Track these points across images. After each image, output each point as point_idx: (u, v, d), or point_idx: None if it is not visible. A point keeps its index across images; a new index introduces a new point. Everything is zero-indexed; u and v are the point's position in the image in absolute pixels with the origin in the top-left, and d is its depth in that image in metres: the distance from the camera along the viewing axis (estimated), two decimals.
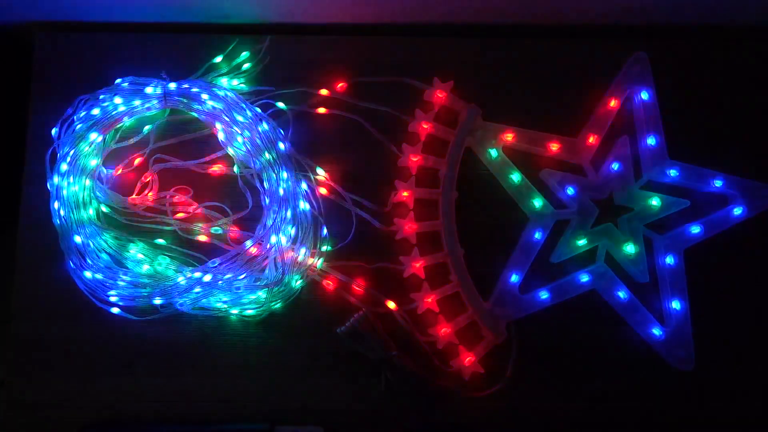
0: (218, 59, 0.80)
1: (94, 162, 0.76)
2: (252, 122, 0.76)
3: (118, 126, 0.78)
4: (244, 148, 0.76)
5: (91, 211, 0.76)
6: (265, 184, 0.76)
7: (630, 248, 0.77)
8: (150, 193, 0.78)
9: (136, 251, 0.76)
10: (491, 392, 0.74)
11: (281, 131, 0.78)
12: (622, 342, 0.76)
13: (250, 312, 0.75)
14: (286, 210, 0.74)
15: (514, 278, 0.76)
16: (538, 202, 0.78)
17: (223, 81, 0.79)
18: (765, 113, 0.81)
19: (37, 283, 0.76)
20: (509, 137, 0.78)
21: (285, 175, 0.75)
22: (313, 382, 0.76)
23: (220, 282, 0.73)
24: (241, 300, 0.74)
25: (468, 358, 0.75)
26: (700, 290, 0.77)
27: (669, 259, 0.77)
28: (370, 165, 0.79)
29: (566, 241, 0.77)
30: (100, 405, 0.75)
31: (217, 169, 0.78)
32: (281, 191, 0.74)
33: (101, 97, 0.76)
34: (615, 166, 0.78)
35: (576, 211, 0.78)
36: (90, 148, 0.75)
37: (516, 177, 0.78)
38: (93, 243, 0.75)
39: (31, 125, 0.79)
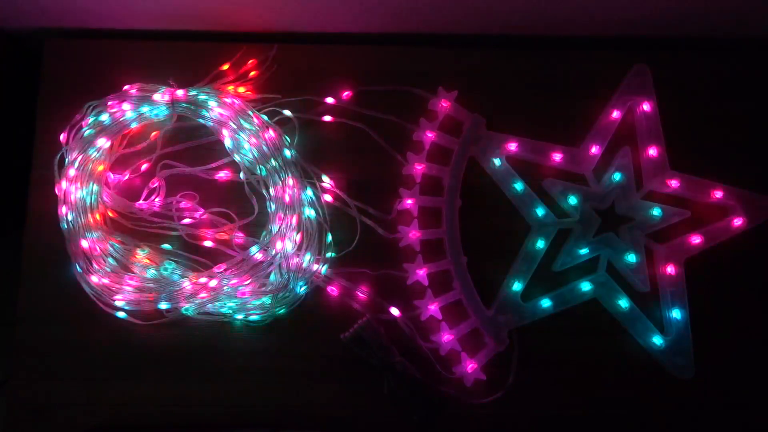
0: (225, 67, 0.81)
1: (101, 167, 0.77)
2: (258, 129, 0.77)
3: (126, 132, 0.78)
4: (250, 155, 0.77)
5: (99, 216, 0.76)
6: (271, 191, 0.76)
7: (631, 257, 0.77)
8: (157, 199, 0.79)
9: (142, 256, 0.76)
10: (493, 399, 0.75)
11: (287, 138, 0.79)
12: (622, 350, 0.77)
13: (254, 317, 0.75)
14: (292, 216, 0.75)
15: (517, 286, 0.77)
16: (540, 211, 0.78)
17: (230, 88, 0.80)
18: (765, 125, 0.82)
19: (43, 287, 0.77)
20: (512, 147, 0.79)
21: (291, 182, 0.75)
22: (317, 387, 0.76)
23: (225, 287, 0.74)
24: (246, 305, 0.75)
25: (470, 365, 0.75)
26: (700, 300, 0.77)
27: (669, 269, 0.77)
28: (374, 173, 0.80)
29: (568, 249, 0.78)
30: (105, 409, 0.75)
31: (223, 175, 0.79)
32: (287, 198, 0.75)
33: (109, 103, 0.77)
34: (617, 176, 0.79)
35: (578, 221, 0.78)
36: (98, 153, 0.76)
37: (519, 186, 0.79)
38: (99, 247, 0.75)
39: (39, 130, 0.80)
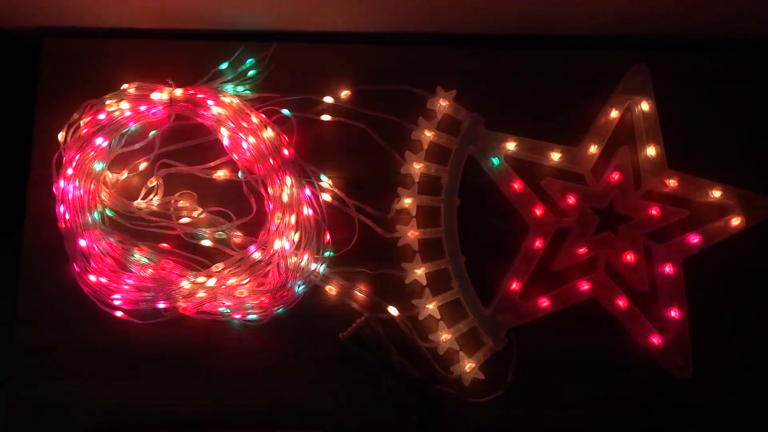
0: (224, 65, 0.80)
1: (99, 166, 0.77)
2: (257, 128, 0.77)
3: (124, 131, 0.78)
4: (248, 154, 0.77)
5: (97, 215, 0.76)
6: (269, 190, 0.76)
7: (629, 257, 0.77)
8: (155, 198, 0.78)
9: (140, 255, 0.76)
10: (491, 399, 0.75)
11: (285, 137, 0.79)
12: (620, 350, 0.77)
13: (252, 317, 0.75)
14: (290, 216, 0.75)
15: (515, 285, 0.77)
16: (539, 211, 0.78)
17: (229, 87, 0.80)
18: (764, 124, 0.82)
19: (41, 287, 0.77)
20: (511, 146, 0.79)
21: (289, 181, 0.75)
22: (315, 386, 0.76)
23: (223, 286, 0.74)
24: (244, 304, 0.75)
25: (468, 365, 0.75)
26: (698, 299, 0.77)
27: (668, 268, 0.77)
28: (373, 172, 0.80)
29: (567, 249, 0.78)
30: (104, 409, 0.75)
31: (221, 174, 0.79)
32: (285, 197, 0.75)
33: (107, 102, 0.77)
34: (615, 175, 0.79)
35: (576, 220, 0.78)
36: (96, 152, 0.76)
37: (517, 185, 0.79)
38: (98, 247, 0.75)
39: (38, 129, 0.79)
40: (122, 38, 0.82)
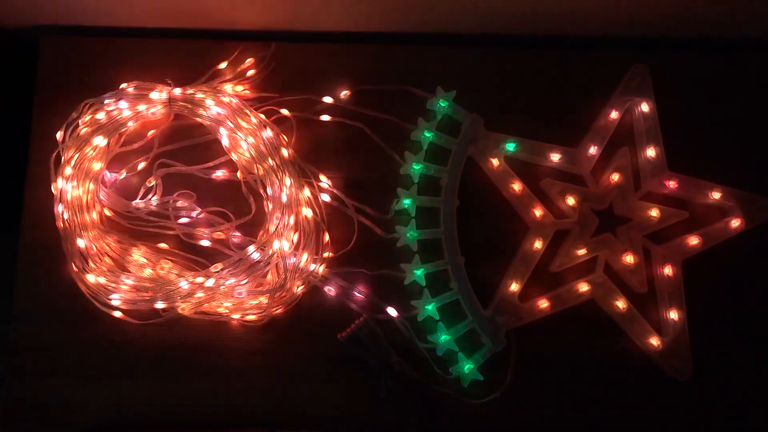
0: (223, 65, 0.80)
1: (98, 165, 0.76)
2: (256, 128, 0.76)
3: (123, 130, 0.78)
4: (247, 154, 0.76)
5: (95, 215, 0.76)
6: (268, 190, 0.76)
7: (629, 258, 0.77)
8: (153, 198, 0.78)
9: (138, 255, 0.76)
10: (490, 400, 0.75)
11: (285, 138, 0.78)
12: (619, 352, 0.77)
13: (251, 317, 0.75)
14: (289, 216, 0.75)
15: (514, 287, 0.77)
16: (538, 212, 0.78)
17: (228, 87, 0.80)
18: (764, 126, 0.82)
19: (39, 286, 0.76)
20: (511, 147, 0.79)
21: (288, 181, 0.75)
22: (314, 387, 0.76)
23: (222, 287, 0.73)
24: (242, 305, 0.75)
25: (467, 366, 0.75)
26: (697, 301, 0.77)
27: (667, 270, 0.77)
28: (372, 172, 0.80)
29: (566, 250, 0.78)
30: (101, 408, 0.75)
31: (220, 174, 0.79)
32: (284, 197, 0.75)
33: (106, 101, 0.76)
34: (615, 176, 0.79)
35: (576, 221, 0.78)
36: (94, 151, 0.76)
37: (517, 186, 0.79)
38: (96, 246, 0.75)
39: (35, 128, 0.79)
40: (121, 37, 0.82)
